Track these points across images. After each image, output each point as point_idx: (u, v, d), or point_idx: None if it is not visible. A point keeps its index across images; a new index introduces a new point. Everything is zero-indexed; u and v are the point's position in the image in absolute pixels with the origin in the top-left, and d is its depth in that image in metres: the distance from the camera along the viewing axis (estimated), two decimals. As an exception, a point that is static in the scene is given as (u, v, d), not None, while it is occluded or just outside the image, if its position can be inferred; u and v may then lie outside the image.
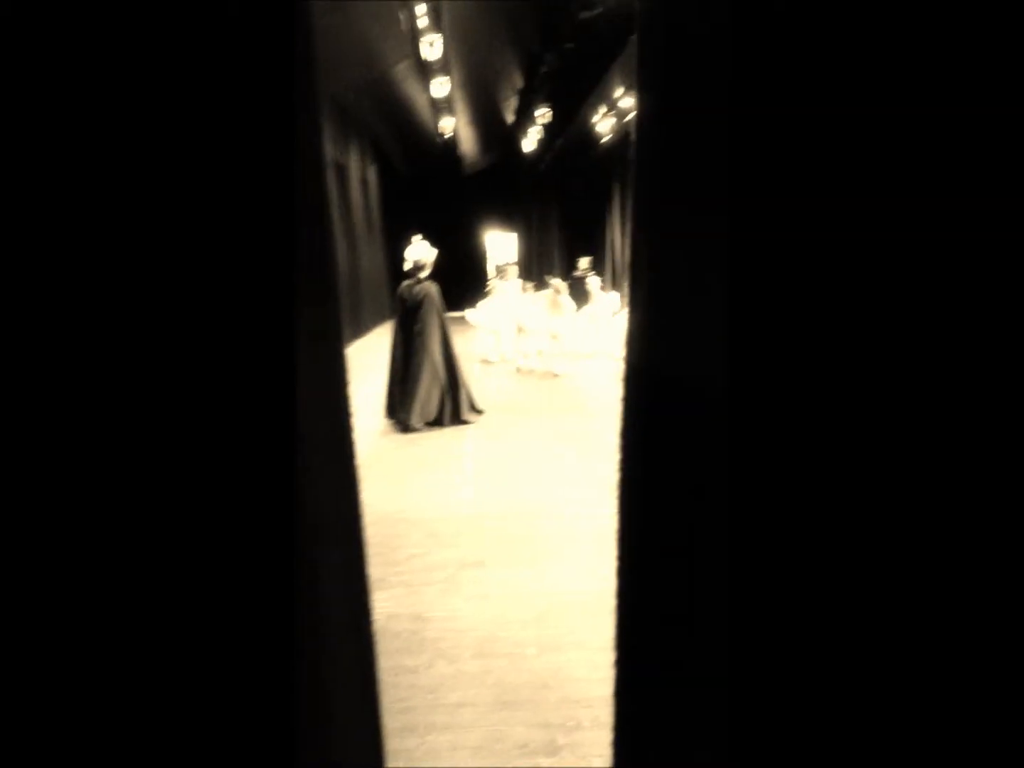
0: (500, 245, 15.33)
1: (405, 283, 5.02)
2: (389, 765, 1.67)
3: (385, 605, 2.44)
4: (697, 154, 0.65)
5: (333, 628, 0.92)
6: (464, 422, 4.91)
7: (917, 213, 0.59)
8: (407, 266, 5.02)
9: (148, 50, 0.61)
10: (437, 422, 4.87)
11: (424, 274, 4.96)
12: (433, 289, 4.96)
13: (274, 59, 0.65)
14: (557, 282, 7.69)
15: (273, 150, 0.65)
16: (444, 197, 14.32)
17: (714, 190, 0.63)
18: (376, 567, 2.73)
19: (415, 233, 5.39)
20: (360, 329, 10.08)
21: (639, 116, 0.75)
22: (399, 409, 4.89)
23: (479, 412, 5.09)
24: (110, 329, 0.62)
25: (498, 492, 3.68)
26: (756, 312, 0.62)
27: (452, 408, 4.92)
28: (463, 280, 11.44)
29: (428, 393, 4.82)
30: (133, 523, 0.63)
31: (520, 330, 7.48)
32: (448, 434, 4.78)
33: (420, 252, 4.99)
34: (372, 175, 12.05)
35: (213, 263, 0.64)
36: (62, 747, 0.61)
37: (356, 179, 10.37)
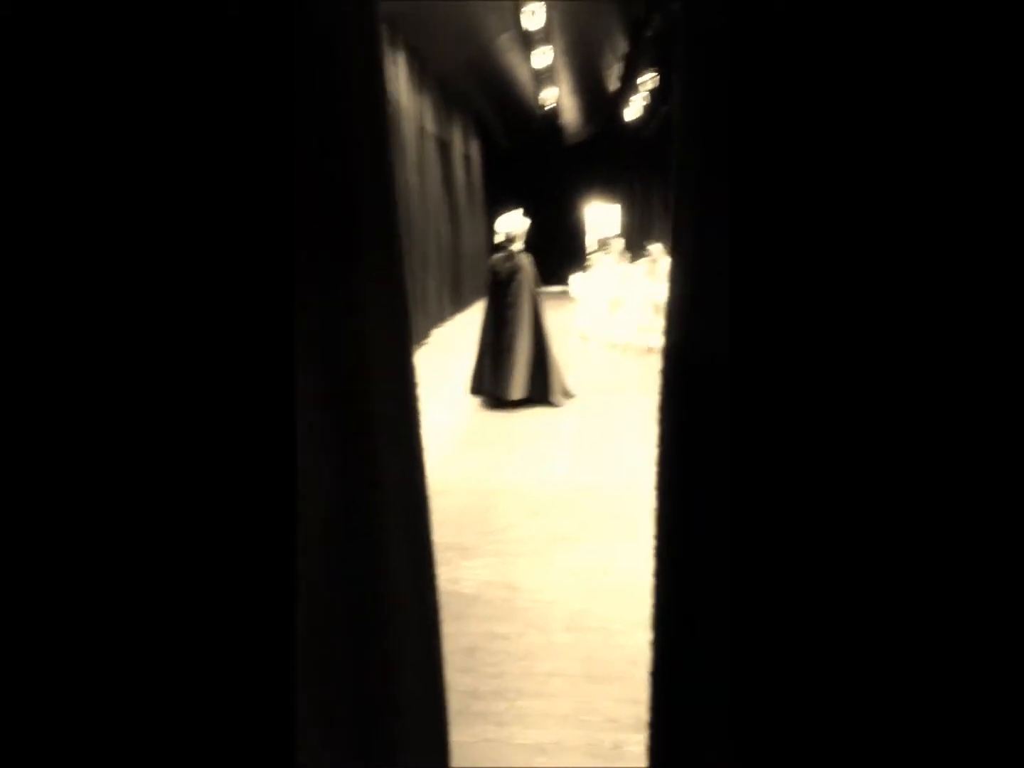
0: (602, 216, 15.07)
1: (497, 255, 4.87)
2: (478, 727, 1.74)
3: (479, 573, 2.52)
4: (733, 133, 0.64)
5: (399, 600, 0.95)
6: (552, 404, 4.77)
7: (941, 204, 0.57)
8: (498, 238, 4.89)
9: (145, 33, 0.61)
10: (527, 400, 4.77)
11: (516, 246, 4.81)
12: (526, 262, 4.77)
13: (273, 39, 0.64)
14: (655, 247, 7.44)
15: (273, 139, 0.66)
16: (546, 169, 14.21)
17: (752, 170, 0.62)
18: (471, 536, 2.83)
19: (514, 206, 5.25)
20: (461, 303, 10.27)
21: (676, 90, 0.74)
22: (489, 383, 4.80)
23: (569, 395, 4.90)
24: (119, 319, 0.63)
25: (591, 469, 3.68)
26: (782, 290, 0.62)
27: (541, 387, 4.78)
28: (563, 253, 11.36)
29: (520, 368, 4.71)
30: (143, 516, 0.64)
31: (616, 304, 7.33)
32: (540, 412, 4.77)
33: (511, 223, 4.81)
34: (474, 150, 12.14)
35: (212, 257, 0.65)
36: (81, 739, 0.63)
37: (459, 154, 10.48)
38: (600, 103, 12.31)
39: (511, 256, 4.79)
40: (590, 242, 12.88)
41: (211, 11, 0.63)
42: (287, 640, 0.69)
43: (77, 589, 0.64)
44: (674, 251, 0.79)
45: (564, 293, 8.89)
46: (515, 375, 4.71)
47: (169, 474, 0.65)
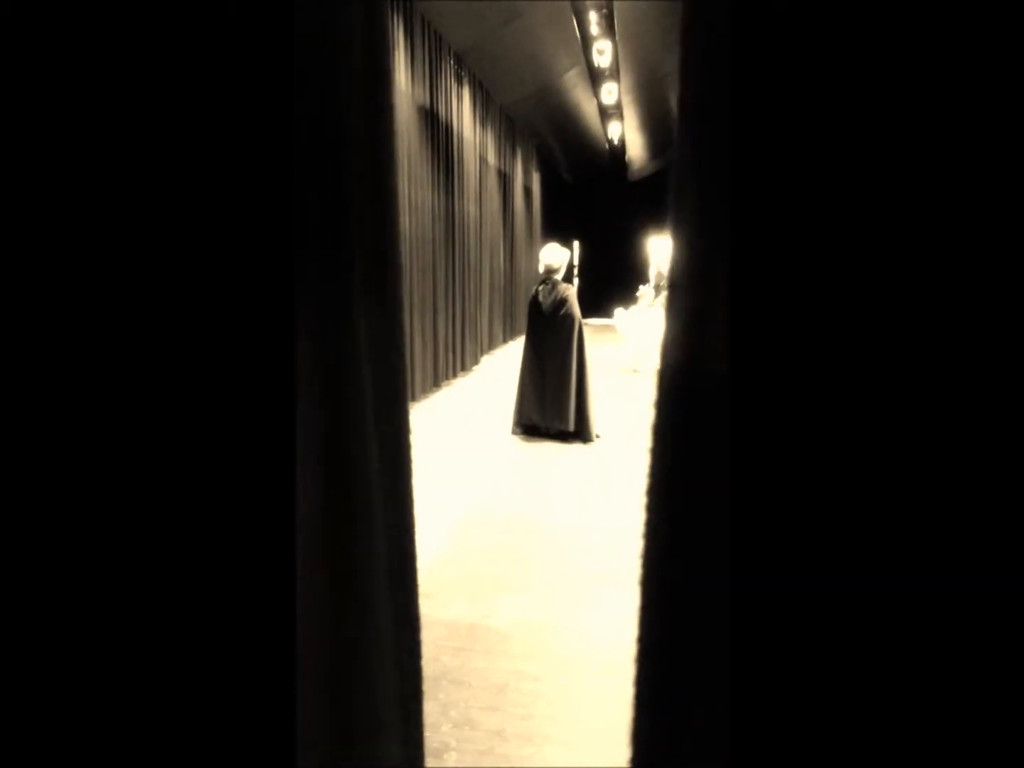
0: (664, 251, 14.99)
1: (540, 287, 4.84)
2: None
3: (513, 610, 2.45)
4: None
5: (378, 631, 0.91)
6: (587, 440, 4.70)
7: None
8: (540, 268, 4.87)
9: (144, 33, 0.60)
10: (565, 434, 4.72)
11: (558, 277, 4.78)
12: (570, 293, 4.73)
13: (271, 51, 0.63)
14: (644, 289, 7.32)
15: (273, 143, 0.64)
16: (609, 203, 14.28)
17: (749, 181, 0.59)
18: (507, 570, 2.77)
19: (562, 239, 5.19)
20: (515, 332, 10.33)
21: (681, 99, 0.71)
22: (537, 416, 4.79)
23: (597, 435, 4.79)
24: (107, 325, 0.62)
25: (635, 509, 3.57)
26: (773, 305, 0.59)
27: (579, 422, 4.72)
28: (622, 287, 11.35)
29: (570, 400, 4.69)
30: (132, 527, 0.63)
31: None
32: (581, 448, 4.67)
33: (551, 255, 4.77)
34: (536, 183, 12.29)
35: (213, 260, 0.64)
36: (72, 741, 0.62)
37: (520, 186, 10.63)
38: (666, 139, 12.32)
39: (554, 287, 4.77)
40: (652, 274, 12.86)
41: (209, 13, 0.62)
42: (287, 636, 0.67)
43: (71, 576, 0.63)
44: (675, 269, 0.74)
45: (608, 327, 8.84)
46: (567, 406, 4.68)
47: (166, 481, 0.64)
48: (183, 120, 0.62)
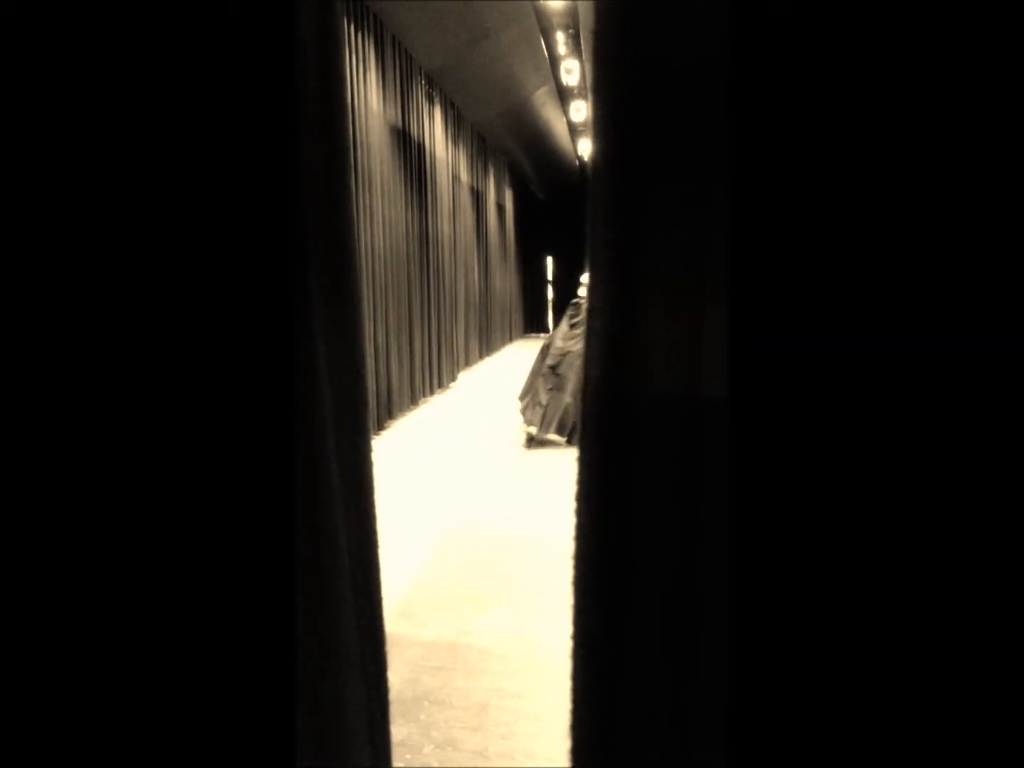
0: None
1: (576, 299, 5.32)
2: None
3: (495, 624, 2.43)
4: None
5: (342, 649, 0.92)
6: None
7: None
8: (580, 291, 5.45)
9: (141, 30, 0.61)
10: (566, 440, 4.86)
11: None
12: None
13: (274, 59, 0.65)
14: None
15: (273, 149, 0.65)
16: (582, 219, 14.41)
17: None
18: (484, 585, 2.75)
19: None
20: (490, 348, 10.34)
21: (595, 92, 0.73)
22: (531, 412, 4.98)
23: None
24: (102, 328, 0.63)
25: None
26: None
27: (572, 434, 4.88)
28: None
29: (562, 408, 4.84)
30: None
31: None
32: (562, 461, 4.71)
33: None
34: (508, 200, 12.38)
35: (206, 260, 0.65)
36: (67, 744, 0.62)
37: (492, 204, 10.70)
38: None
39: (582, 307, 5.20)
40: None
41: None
42: (286, 637, 0.67)
43: (73, 581, 0.62)
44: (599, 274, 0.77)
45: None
46: (552, 412, 4.84)
47: (167, 483, 0.64)
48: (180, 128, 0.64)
